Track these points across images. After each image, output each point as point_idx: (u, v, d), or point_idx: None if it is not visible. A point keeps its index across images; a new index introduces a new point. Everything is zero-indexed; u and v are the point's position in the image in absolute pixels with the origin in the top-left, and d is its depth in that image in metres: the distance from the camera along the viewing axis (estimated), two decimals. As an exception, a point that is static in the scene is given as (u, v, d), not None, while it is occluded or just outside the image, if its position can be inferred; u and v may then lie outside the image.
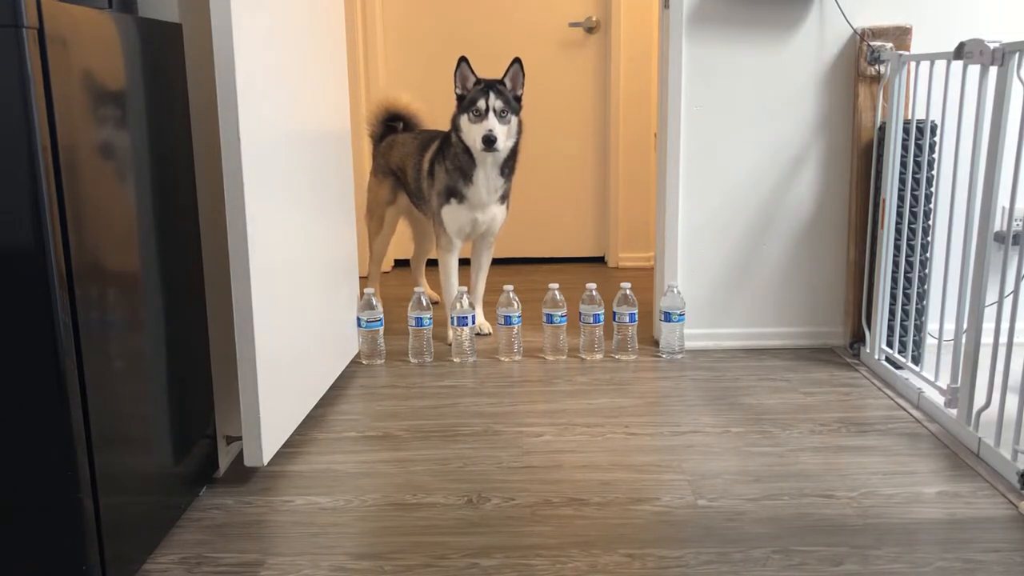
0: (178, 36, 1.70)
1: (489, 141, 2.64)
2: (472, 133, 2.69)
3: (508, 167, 2.78)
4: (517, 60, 2.73)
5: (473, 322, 2.70)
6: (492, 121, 2.66)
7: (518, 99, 2.75)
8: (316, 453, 2.04)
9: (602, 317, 2.68)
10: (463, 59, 2.73)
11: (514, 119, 2.72)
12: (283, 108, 1.97)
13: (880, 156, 2.50)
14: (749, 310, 2.77)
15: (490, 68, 3.87)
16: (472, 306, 2.72)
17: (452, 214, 2.80)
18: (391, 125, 3.22)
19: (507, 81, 2.72)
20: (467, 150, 2.72)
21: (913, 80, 2.50)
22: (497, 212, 2.84)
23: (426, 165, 2.92)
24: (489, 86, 2.70)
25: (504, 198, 2.85)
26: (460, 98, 2.75)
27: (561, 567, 1.55)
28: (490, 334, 2.91)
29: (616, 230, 4.01)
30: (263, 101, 1.84)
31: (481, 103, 2.68)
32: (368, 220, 3.23)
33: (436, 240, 2.91)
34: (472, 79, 2.74)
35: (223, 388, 1.90)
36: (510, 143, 2.73)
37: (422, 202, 2.98)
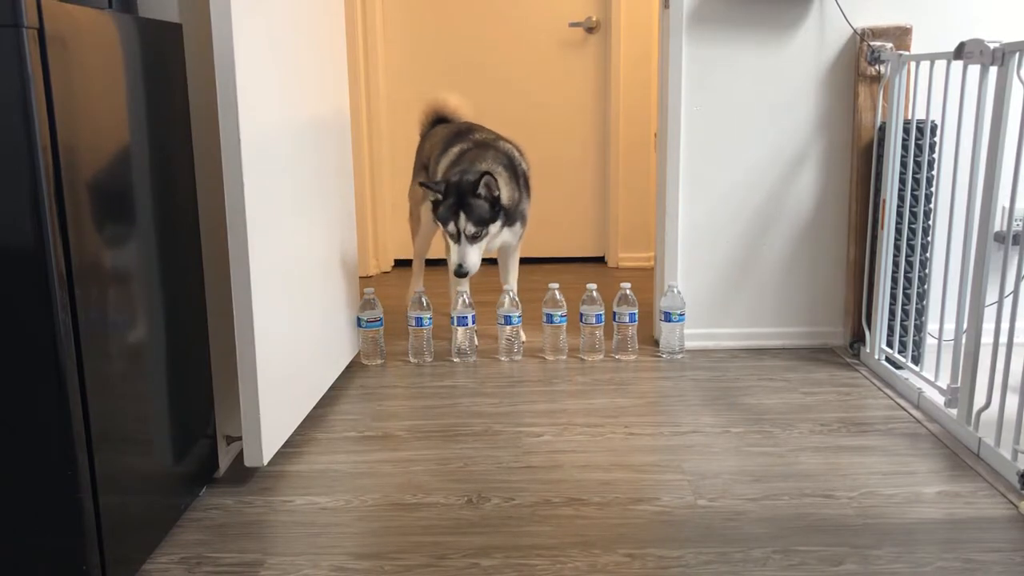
0: (178, 36, 1.70)
1: (461, 274, 2.51)
2: (448, 247, 2.53)
3: (506, 221, 2.61)
4: (486, 174, 2.47)
5: (474, 322, 2.70)
6: (464, 249, 2.48)
7: (495, 202, 2.51)
8: (316, 453, 2.04)
9: (603, 317, 2.68)
10: (421, 184, 2.60)
11: (494, 227, 2.53)
12: (283, 108, 1.97)
13: (880, 156, 2.50)
14: (749, 310, 2.77)
15: (489, 68, 3.89)
16: (471, 306, 2.71)
17: (452, 248, 2.66)
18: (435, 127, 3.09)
19: (481, 190, 2.47)
20: None
21: (913, 80, 2.50)
22: (504, 236, 2.67)
23: (439, 175, 2.73)
24: (460, 203, 2.45)
25: (511, 222, 2.66)
26: (435, 203, 2.55)
27: (561, 567, 1.56)
28: (523, 341, 2.80)
29: (616, 230, 4.01)
30: (263, 101, 1.84)
31: (451, 227, 2.48)
32: (410, 221, 3.14)
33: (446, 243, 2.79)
34: (441, 186, 2.49)
35: (223, 388, 1.90)
36: (497, 236, 2.58)
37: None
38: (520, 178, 2.73)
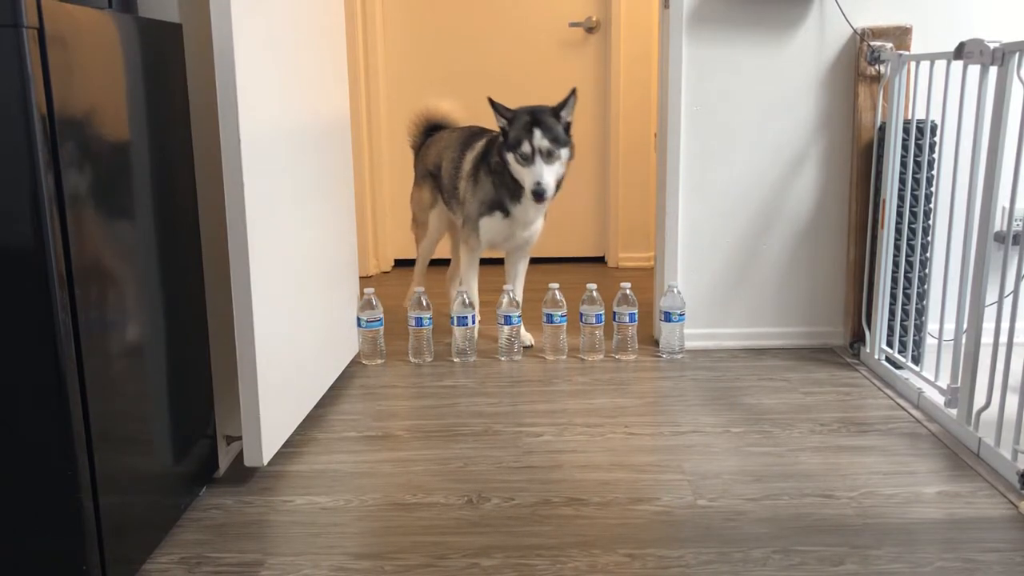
0: (178, 36, 1.70)
1: (539, 195, 2.48)
2: (521, 176, 2.51)
3: (557, 185, 2.60)
4: (574, 92, 2.50)
5: (474, 322, 2.70)
6: (539, 167, 2.47)
7: (568, 128, 2.53)
8: (316, 453, 2.04)
9: (603, 317, 2.68)
10: (490, 101, 2.55)
11: (564, 152, 2.52)
12: (283, 108, 1.97)
13: (880, 156, 2.50)
14: (749, 310, 2.77)
15: (489, 67, 3.89)
16: (472, 306, 2.71)
17: (491, 225, 2.68)
18: (432, 134, 3.09)
19: (561, 112, 2.50)
20: (516, 179, 2.56)
21: (913, 80, 2.50)
22: (538, 224, 2.74)
23: (468, 166, 2.75)
24: (535, 121, 2.47)
25: (544, 211, 2.72)
26: (504, 132, 2.56)
27: (561, 567, 1.56)
28: (532, 345, 2.80)
29: (616, 230, 4.01)
30: (263, 101, 1.84)
31: (526, 146, 2.48)
32: (414, 228, 3.13)
33: (463, 239, 2.79)
34: (510, 112, 2.52)
35: (223, 388, 1.90)
36: (562, 177, 2.56)
37: (454, 200, 2.84)
38: None
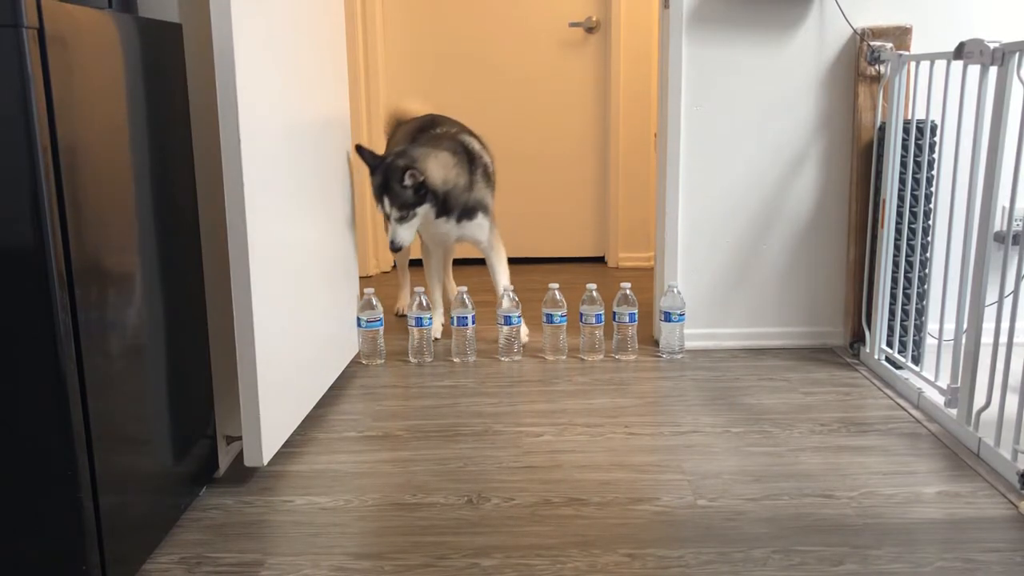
0: (178, 36, 1.70)
1: (395, 250, 2.69)
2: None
3: (446, 208, 2.67)
4: (407, 170, 2.54)
5: (473, 322, 2.70)
6: (392, 227, 2.62)
7: (421, 185, 2.57)
8: (316, 453, 2.04)
9: (603, 317, 2.68)
10: (357, 148, 2.61)
11: (418, 210, 2.60)
12: (283, 108, 1.97)
13: (880, 156, 2.50)
14: (749, 310, 2.77)
15: (489, 68, 3.89)
16: (470, 306, 2.71)
17: (422, 228, 2.76)
18: None
19: (406, 180, 2.55)
20: None
21: (913, 80, 2.50)
22: (466, 229, 2.75)
23: None
24: (384, 186, 2.57)
25: (469, 214, 2.73)
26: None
27: (561, 567, 1.56)
28: (525, 342, 2.82)
29: (616, 230, 4.01)
30: (263, 101, 1.84)
31: (380, 208, 2.65)
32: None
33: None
34: (374, 161, 2.61)
35: (223, 388, 1.90)
36: (453, 227, 2.70)
37: None
38: (478, 169, 2.76)
